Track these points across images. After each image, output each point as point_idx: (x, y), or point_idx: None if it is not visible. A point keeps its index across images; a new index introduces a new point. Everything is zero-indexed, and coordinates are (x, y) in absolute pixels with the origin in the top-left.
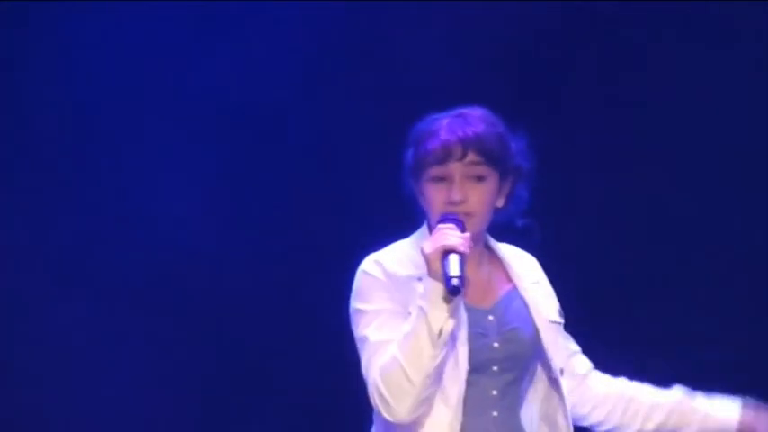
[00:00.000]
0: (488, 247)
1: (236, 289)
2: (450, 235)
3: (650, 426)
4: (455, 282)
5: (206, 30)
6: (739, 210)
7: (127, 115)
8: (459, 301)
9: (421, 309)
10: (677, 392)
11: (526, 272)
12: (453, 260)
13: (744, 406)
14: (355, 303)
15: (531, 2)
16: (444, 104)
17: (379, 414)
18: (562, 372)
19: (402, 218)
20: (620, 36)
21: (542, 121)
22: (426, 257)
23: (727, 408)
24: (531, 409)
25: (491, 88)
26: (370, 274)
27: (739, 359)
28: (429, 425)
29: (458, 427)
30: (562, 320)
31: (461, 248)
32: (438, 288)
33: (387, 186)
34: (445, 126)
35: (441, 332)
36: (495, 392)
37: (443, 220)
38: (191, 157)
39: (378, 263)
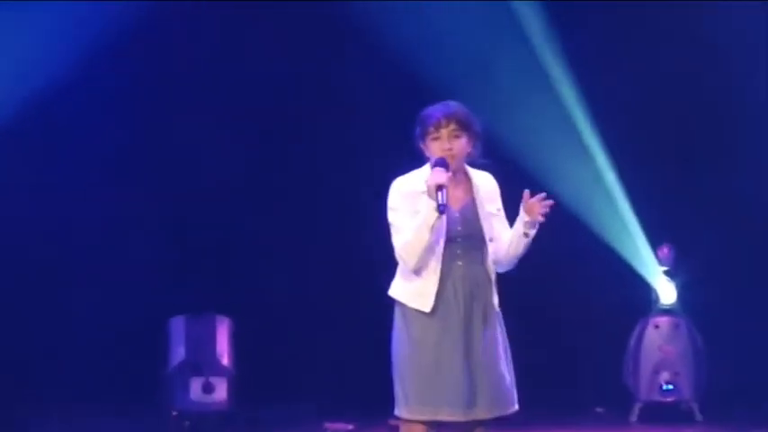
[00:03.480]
0: (466, 174)
1: None
2: (440, 175)
3: (511, 249)
4: (439, 207)
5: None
6: None
7: None
8: (445, 210)
9: (424, 215)
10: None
11: (485, 187)
12: (438, 195)
13: (524, 201)
14: (391, 204)
15: None
16: None
17: (402, 266)
18: (491, 239)
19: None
20: None
21: None
22: (428, 188)
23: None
24: (484, 261)
25: None
26: (396, 190)
27: None
28: (425, 269)
29: (438, 269)
30: (498, 213)
31: (446, 182)
32: (432, 204)
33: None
34: (439, 108)
35: (432, 226)
36: (459, 251)
37: (437, 163)
38: None
39: (401, 182)
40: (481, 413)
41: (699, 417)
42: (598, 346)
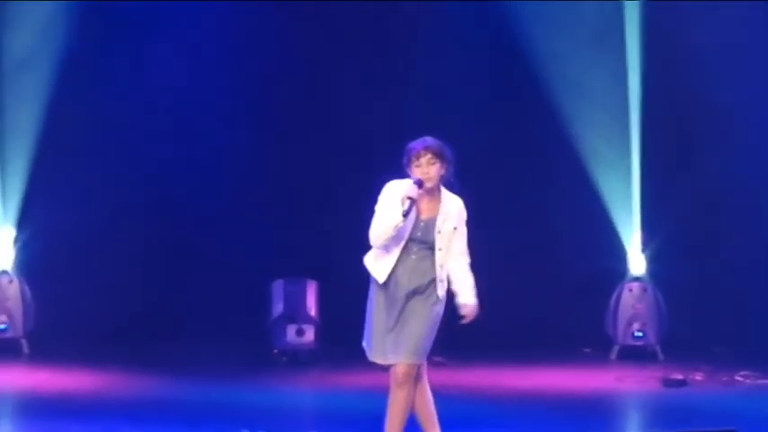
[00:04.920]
0: (439, 194)
1: None
2: (413, 190)
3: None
4: (403, 213)
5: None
6: None
7: None
8: (408, 216)
9: (393, 216)
10: (465, 291)
11: (449, 209)
12: (406, 203)
13: (467, 302)
14: (380, 198)
15: None
16: None
17: (371, 243)
18: (440, 249)
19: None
20: None
21: None
22: (401, 198)
23: (465, 297)
24: (432, 261)
25: None
26: (387, 189)
27: None
28: (389, 253)
29: (396, 256)
30: (455, 231)
31: (415, 197)
32: (401, 210)
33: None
34: (419, 142)
35: (396, 226)
36: (415, 249)
37: (415, 182)
38: None
39: (392, 185)
40: (390, 359)
41: (661, 356)
42: (587, 303)
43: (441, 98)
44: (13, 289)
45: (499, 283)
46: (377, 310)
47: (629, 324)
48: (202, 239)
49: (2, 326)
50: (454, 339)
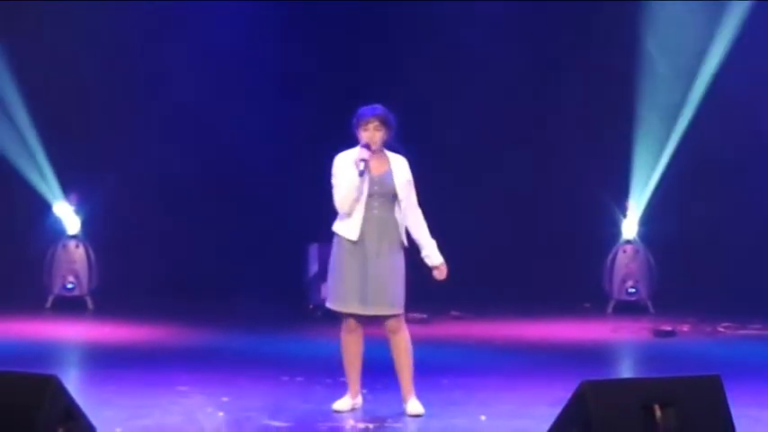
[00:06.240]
0: (386, 155)
1: None
2: (363, 152)
3: (412, 233)
4: (360, 172)
5: None
6: None
7: None
8: (365, 175)
9: (351, 177)
10: (427, 240)
11: (397, 164)
12: (361, 164)
13: (441, 262)
14: (334, 171)
15: None
16: None
17: (338, 211)
18: (401, 199)
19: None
20: None
21: None
22: (354, 162)
23: (435, 257)
24: (393, 212)
25: None
26: (337, 161)
27: None
28: (354, 213)
29: (362, 213)
30: (409, 182)
31: (367, 158)
32: (356, 172)
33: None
34: (369, 110)
35: (356, 186)
36: (376, 204)
37: (363, 146)
38: None
39: (341, 157)
40: (371, 310)
41: (651, 310)
42: (587, 263)
43: (462, 77)
44: (80, 252)
45: (514, 248)
46: (347, 267)
47: (624, 281)
48: (248, 208)
49: (70, 285)
50: (469, 295)
